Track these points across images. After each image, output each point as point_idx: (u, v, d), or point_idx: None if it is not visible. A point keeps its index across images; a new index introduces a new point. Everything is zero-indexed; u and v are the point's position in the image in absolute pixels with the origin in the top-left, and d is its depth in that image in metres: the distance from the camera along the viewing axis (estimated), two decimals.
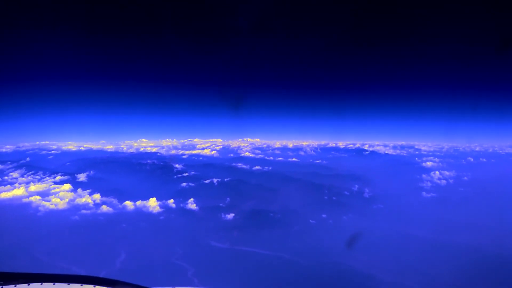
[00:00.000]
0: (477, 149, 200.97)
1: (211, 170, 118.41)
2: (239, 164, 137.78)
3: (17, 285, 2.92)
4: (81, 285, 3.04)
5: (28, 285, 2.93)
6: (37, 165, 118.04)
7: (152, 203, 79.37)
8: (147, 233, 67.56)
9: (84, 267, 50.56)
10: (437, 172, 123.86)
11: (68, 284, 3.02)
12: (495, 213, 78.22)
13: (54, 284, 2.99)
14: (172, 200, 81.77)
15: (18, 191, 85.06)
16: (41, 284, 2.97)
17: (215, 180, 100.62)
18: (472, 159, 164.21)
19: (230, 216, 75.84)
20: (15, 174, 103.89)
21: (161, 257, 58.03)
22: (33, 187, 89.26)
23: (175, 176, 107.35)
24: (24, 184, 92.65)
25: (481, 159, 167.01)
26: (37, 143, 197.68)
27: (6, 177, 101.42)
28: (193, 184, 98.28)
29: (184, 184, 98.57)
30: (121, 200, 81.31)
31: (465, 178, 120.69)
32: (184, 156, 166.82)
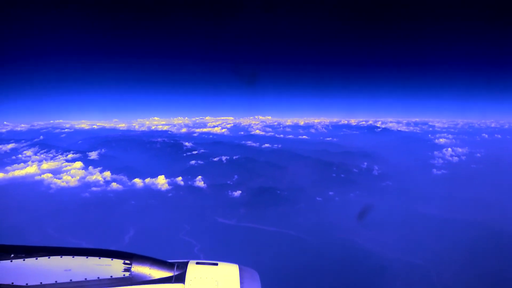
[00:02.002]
0: (493, 125, 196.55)
1: (221, 148, 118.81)
2: (249, 142, 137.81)
3: (38, 258, 3.09)
4: (99, 258, 3.18)
5: (49, 257, 3.10)
6: (50, 143, 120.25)
7: (161, 181, 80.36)
8: (155, 210, 68.72)
9: (94, 243, 51.85)
10: (449, 149, 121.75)
11: (87, 257, 3.17)
12: (506, 190, 76.87)
13: (73, 257, 3.15)
14: (180, 178, 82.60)
15: (31, 169, 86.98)
16: (61, 257, 3.14)
17: (223, 158, 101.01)
18: (486, 136, 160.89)
19: (237, 193, 76.40)
20: (28, 153, 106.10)
21: (168, 233, 59.11)
22: (45, 165, 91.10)
23: (184, 154, 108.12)
24: (37, 162, 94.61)
25: (496, 135, 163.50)
26: (51, 121, 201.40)
27: (20, 155, 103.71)
28: (202, 162, 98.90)
29: (193, 162, 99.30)
30: (131, 177, 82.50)
31: (478, 155, 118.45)
32: (194, 134, 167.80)
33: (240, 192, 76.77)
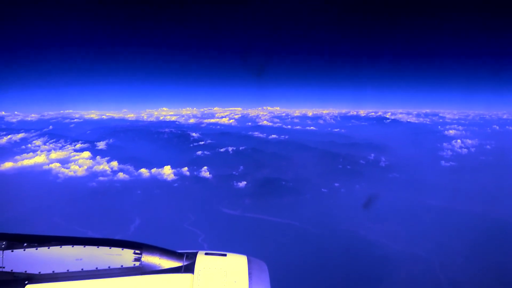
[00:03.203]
0: (505, 116, 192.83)
1: (227, 138, 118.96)
2: (256, 133, 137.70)
3: (50, 247, 3.19)
4: (110, 248, 3.24)
5: (61, 247, 3.19)
6: (59, 133, 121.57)
7: (167, 171, 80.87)
8: (161, 200, 69.29)
9: (100, 232, 52.53)
10: (458, 141, 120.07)
11: (98, 247, 3.24)
12: None
13: (84, 247, 3.23)
14: (186, 168, 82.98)
15: (39, 159, 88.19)
16: (72, 246, 3.22)
17: (230, 149, 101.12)
18: (498, 127, 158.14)
19: (243, 184, 76.55)
20: (38, 142, 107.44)
21: (173, 223, 59.62)
22: (53, 155, 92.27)
23: (191, 145, 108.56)
24: (46, 151, 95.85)
25: (507, 127, 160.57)
26: (61, 111, 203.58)
27: (29, 145, 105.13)
28: (208, 153, 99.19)
29: (199, 152, 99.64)
30: (137, 167, 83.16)
31: (488, 146, 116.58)
32: (202, 125, 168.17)
33: (245, 182, 76.92)
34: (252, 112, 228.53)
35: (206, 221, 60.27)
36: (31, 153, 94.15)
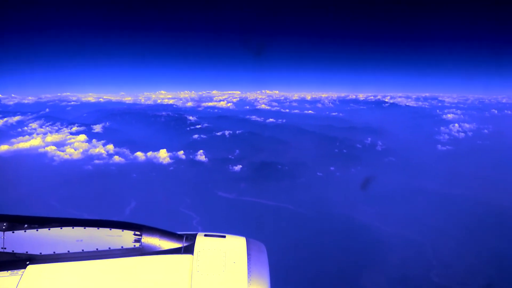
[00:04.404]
0: (504, 101, 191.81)
1: (225, 122, 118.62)
2: (253, 117, 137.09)
3: (51, 229, 3.22)
4: (110, 229, 3.27)
5: (61, 228, 3.22)
6: (56, 116, 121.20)
7: (163, 154, 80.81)
8: (156, 183, 69.46)
9: (95, 214, 52.73)
10: (456, 125, 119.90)
11: (98, 229, 3.27)
12: (509, 167, 75.86)
13: (84, 228, 3.25)
14: (182, 152, 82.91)
15: (35, 141, 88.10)
16: (73, 228, 3.24)
17: (227, 133, 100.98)
18: (496, 112, 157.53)
19: (238, 168, 76.63)
20: (34, 125, 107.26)
21: (169, 206, 59.86)
22: (49, 138, 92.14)
23: (188, 128, 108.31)
24: (42, 134, 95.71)
25: (506, 111, 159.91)
26: (58, 94, 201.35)
27: (25, 128, 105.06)
28: (204, 136, 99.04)
29: (195, 136, 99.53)
30: (133, 151, 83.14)
31: (485, 131, 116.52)
32: (199, 108, 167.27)
33: (241, 166, 77.01)
34: (251, 95, 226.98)
35: (201, 204, 60.53)
36: (27, 136, 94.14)
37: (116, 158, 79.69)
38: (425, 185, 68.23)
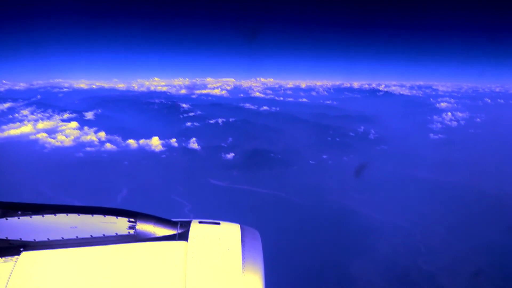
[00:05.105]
0: (497, 90, 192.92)
1: (218, 110, 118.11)
2: (247, 105, 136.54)
3: (45, 215, 3.19)
4: (104, 216, 3.25)
5: (55, 215, 3.20)
6: (47, 103, 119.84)
7: (155, 142, 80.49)
8: (148, 171, 69.29)
9: (87, 202, 52.63)
10: (449, 113, 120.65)
11: (92, 215, 3.25)
12: (500, 155, 76.61)
13: (78, 215, 3.24)
14: (174, 140, 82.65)
15: (26, 128, 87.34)
16: (67, 215, 3.23)
17: (220, 120, 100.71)
18: (489, 100, 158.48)
19: (230, 156, 76.62)
20: (25, 112, 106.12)
21: (160, 193, 59.81)
22: (41, 125, 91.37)
23: (181, 116, 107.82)
24: (33, 121, 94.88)
25: (499, 100, 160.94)
26: (50, 81, 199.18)
27: (16, 115, 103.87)
28: (197, 124, 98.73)
29: (188, 123, 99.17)
30: (125, 138, 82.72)
31: (478, 119, 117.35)
32: (193, 96, 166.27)
33: (233, 154, 76.98)
34: (245, 83, 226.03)
35: (193, 192, 60.56)
36: (18, 123, 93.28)
37: (108, 146, 79.32)
38: (416, 173, 68.78)
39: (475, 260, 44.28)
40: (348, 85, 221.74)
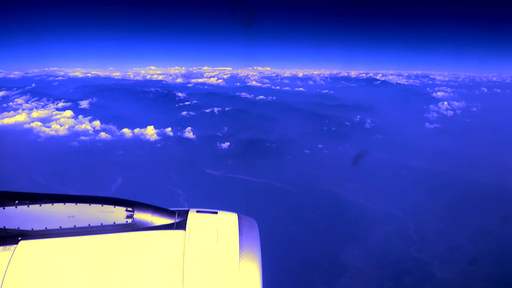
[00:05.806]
0: (494, 79, 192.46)
1: (214, 99, 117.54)
2: (243, 94, 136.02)
3: (42, 205, 3.18)
4: (102, 205, 3.20)
5: (52, 204, 3.19)
6: (42, 91, 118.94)
7: (150, 131, 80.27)
8: (143, 160, 69.25)
9: (81, 191, 52.40)
10: (445, 103, 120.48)
11: (90, 205, 3.21)
12: (496, 145, 76.92)
13: (76, 204, 3.20)
14: (169, 129, 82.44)
15: (20, 117, 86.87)
16: (64, 204, 3.20)
17: (216, 109, 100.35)
18: (486, 90, 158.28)
19: (226, 145, 76.58)
20: (19, 100, 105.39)
21: (155, 182, 59.86)
22: (35, 113, 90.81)
23: (177, 105, 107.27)
24: (27, 110, 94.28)
25: (496, 89, 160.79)
26: (46, 69, 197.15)
27: (11, 103, 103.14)
28: (193, 113, 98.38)
29: (184, 112, 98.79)
30: (120, 127, 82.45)
31: (474, 109, 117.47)
32: (189, 85, 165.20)
33: (228, 143, 76.91)
34: (242, 72, 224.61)
35: (188, 181, 60.64)
36: (12, 112, 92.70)
37: (103, 135, 79.07)
38: (411, 163, 69.07)
39: (468, 249, 44.80)
40: (346, 74, 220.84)
